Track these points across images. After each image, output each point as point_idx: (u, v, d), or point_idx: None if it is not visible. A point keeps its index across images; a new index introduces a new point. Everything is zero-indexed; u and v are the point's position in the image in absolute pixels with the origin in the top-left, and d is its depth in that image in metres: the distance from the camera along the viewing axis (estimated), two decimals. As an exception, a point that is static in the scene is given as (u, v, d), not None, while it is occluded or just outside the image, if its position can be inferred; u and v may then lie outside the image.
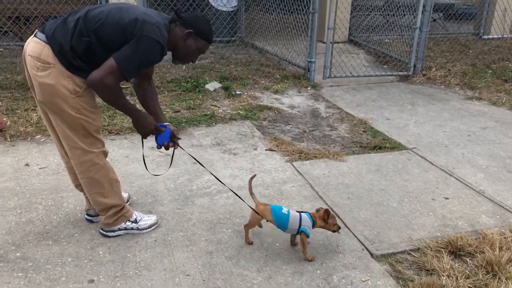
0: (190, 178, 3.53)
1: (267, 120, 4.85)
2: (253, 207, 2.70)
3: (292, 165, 3.81)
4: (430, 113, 5.21)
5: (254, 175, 2.86)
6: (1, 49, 7.09)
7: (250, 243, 2.75)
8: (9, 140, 4.06)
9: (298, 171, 3.70)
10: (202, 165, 3.09)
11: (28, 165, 3.64)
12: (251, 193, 2.72)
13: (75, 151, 2.55)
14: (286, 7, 6.99)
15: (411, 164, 3.92)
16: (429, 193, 3.44)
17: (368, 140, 4.40)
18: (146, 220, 2.86)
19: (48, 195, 3.23)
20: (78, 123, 2.48)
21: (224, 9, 8.03)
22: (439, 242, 2.81)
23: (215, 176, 2.95)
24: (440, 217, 3.12)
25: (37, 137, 4.16)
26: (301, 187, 3.47)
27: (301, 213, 2.63)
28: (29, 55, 2.40)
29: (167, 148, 2.64)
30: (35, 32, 2.47)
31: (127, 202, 3.09)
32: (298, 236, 2.69)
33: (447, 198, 3.38)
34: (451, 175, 3.73)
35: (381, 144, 4.27)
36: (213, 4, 8.03)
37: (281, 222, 2.61)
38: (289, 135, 4.49)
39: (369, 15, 8.66)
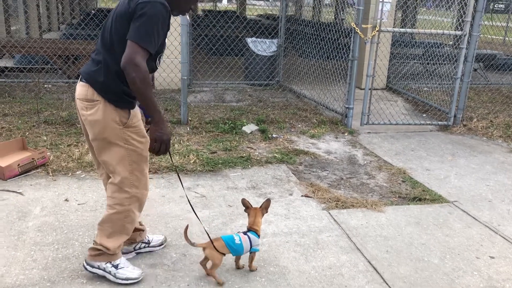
0: (224, 222, 3.50)
1: (303, 165, 4.82)
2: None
3: (329, 213, 3.73)
4: (471, 165, 5.05)
5: (187, 226, 2.86)
6: (50, 86, 7.42)
7: (223, 283, 2.79)
8: (51, 174, 4.17)
9: (335, 220, 3.62)
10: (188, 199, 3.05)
11: (68, 201, 3.71)
12: (189, 240, 2.75)
13: (114, 186, 2.61)
14: (325, 54, 7.08)
15: (453, 218, 3.77)
16: (472, 251, 3.28)
17: (407, 190, 4.28)
18: (128, 271, 2.71)
19: (85, 231, 3.26)
20: (126, 154, 2.55)
21: (264, 54, 8.21)
22: (485, 305, 2.65)
23: (195, 213, 2.92)
24: (486, 278, 2.95)
25: (77, 172, 4.26)
26: (338, 237, 3.37)
27: (248, 234, 2.83)
28: (77, 98, 2.55)
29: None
30: (80, 77, 2.61)
31: (161, 245, 3.08)
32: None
33: (493, 257, 3.21)
34: (496, 233, 3.56)
35: (420, 195, 4.14)
36: (253, 49, 8.23)
37: (238, 251, 2.81)
38: (325, 181, 4.42)
39: (408, 63, 8.65)
